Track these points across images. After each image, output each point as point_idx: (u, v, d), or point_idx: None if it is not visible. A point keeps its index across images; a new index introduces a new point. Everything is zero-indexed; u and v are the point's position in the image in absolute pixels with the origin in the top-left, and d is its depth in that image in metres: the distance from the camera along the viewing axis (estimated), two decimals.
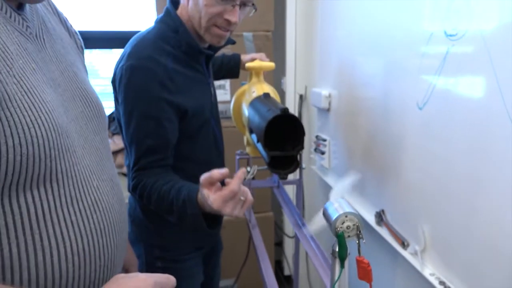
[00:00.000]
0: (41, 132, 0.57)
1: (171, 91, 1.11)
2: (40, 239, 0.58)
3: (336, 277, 0.69)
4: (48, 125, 0.59)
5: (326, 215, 0.73)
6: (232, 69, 1.60)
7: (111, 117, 2.10)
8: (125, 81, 1.09)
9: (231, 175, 1.59)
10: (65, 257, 0.61)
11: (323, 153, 1.80)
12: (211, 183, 0.96)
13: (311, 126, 2.09)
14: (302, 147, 1.10)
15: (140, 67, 1.08)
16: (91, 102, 0.76)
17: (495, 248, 0.87)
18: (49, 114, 0.60)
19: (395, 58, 1.23)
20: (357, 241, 0.69)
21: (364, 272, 0.67)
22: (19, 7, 0.66)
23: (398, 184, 1.25)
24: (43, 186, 0.59)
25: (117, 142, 2.19)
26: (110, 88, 1.20)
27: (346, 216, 0.69)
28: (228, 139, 1.44)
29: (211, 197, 0.95)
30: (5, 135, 0.53)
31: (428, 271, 1.09)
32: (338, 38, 1.68)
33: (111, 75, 1.19)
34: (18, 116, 0.55)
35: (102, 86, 2.18)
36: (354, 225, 0.69)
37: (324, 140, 1.81)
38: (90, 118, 0.74)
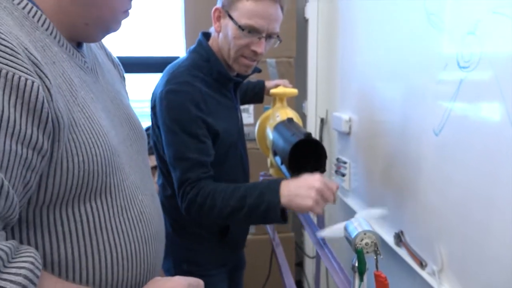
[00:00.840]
0: (100, 152, 0.67)
1: (205, 112, 1.21)
2: (96, 244, 0.67)
3: None
4: (104, 146, 0.69)
5: (346, 233, 0.80)
6: (256, 94, 1.69)
7: None
8: (166, 103, 1.20)
9: None
10: (116, 261, 0.69)
11: (343, 175, 1.86)
12: None
13: (332, 149, 2.15)
14: (324, 170, 1.17)
15: (178, 90, 1.19)
16: (135, 126, 0.86)
17: (510, 268, 0.91)
18: (105, 136, 0.70)
19: (412, 84, 1.29)
20: (375, 257, 0.75)
21: (382, 286, 0.73)
22: (78, 45, 0.77)
23: (416, 206, 1.30)
24: (99, 198, 0.69)
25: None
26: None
27: (364, 234, 0.76)
28: (251, 160, 1.52)
29: None
30: (71, 154, 0.63)
31: None
32: (357, 64, 1.76)
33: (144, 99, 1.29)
34: (82, 138, 0.65)
35: None
36: (372, 242, 0.75)
37: (345, 163, 1.87)
38: (134, 140, 0.84)
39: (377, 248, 0.75)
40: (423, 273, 1.23)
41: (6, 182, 0.53)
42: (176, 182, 1.20)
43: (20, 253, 0.54)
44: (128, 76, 1.04)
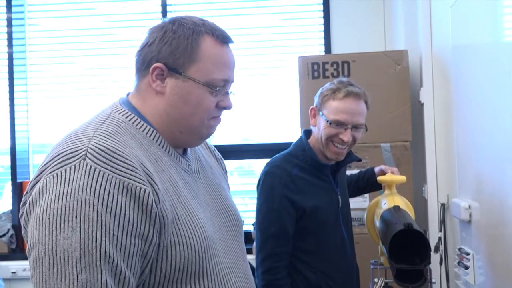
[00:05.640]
0: (197, 241, 0.80)
1: (293, 191, 1.44)
2: None
3: None
4: (201, 236, 0.81)
5: None
6: (368, 182, 1.72)
7: None
8: (261, 182, 1.50)
9: (366, 284, 1.63)
10: None
11: (466, 267, 1.71)
12: None
13: (455, 237, 2.00)
14: (429, 262, 1.12)
15: (270, 172, 1.49)
16: (231, 214, 0.98)
17: None
18: (202, 228, 0.83)
19: None
20: None
21: None
22: (184, 151, 0.93)
23: None
24: (198, 280, 0.80)
25: None
26: None
27: None
28: (364, 244, 1.53)
29: None
30: (175, 243, 0.77)
31: None
32: (475, 148, 1.68)
33: None
34: (183, 230, 0.79)
35: None
36: None
37: (468, 254, 1.72)
38: (230, 227, 0.96)
39: None
40: None
41: (125, 270, 0.68)
42: (257, 248, 1.45)
43: None
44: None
